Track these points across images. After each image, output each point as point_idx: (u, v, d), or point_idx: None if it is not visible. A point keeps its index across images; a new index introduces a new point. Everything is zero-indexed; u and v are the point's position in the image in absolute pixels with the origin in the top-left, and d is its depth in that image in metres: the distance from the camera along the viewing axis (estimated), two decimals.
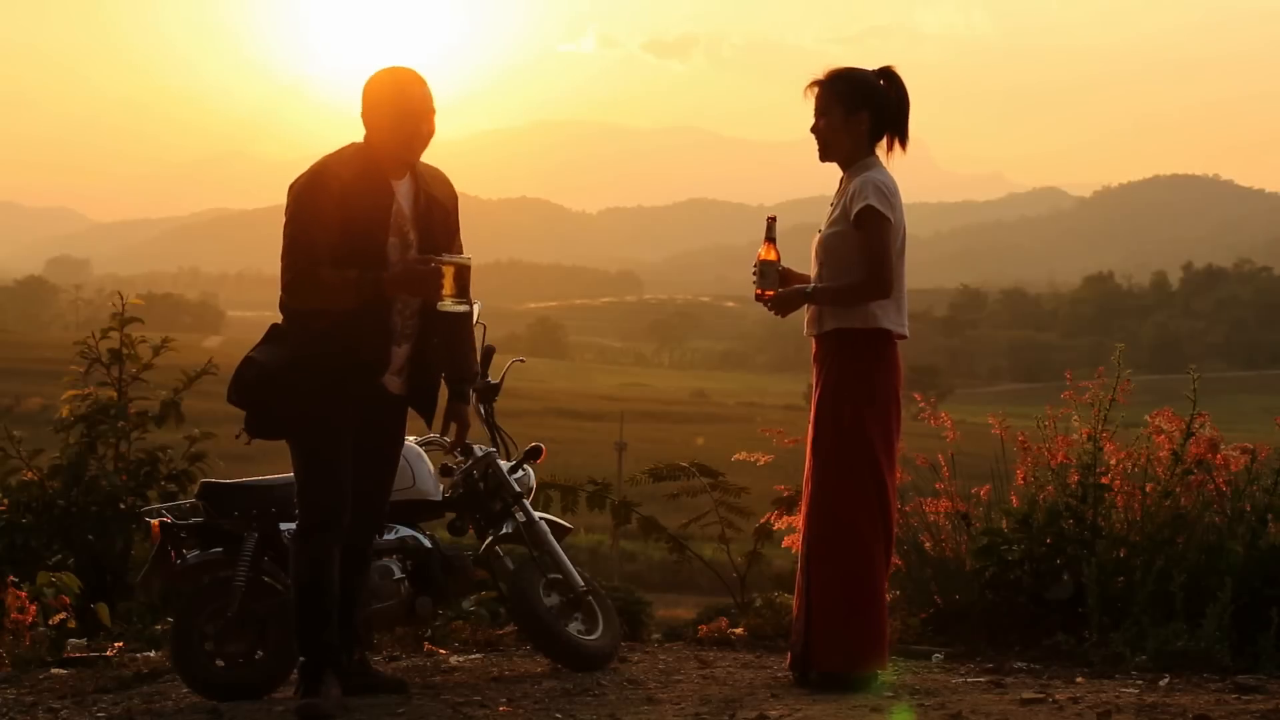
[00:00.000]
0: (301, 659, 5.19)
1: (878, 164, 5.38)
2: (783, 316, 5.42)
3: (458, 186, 5.45)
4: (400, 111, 5.05)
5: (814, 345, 5.45)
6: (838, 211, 5.36)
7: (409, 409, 5.37)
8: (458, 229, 5.33)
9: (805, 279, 5.45)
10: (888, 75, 5.40)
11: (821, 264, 5.36)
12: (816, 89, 5.38)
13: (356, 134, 5.15)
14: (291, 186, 5.04)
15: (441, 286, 4.93)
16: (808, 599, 5.38)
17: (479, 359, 6.33)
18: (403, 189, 5.12)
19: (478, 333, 6.29)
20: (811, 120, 5.41)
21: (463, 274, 4.96)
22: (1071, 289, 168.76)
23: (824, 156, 5.42)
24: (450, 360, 5.34)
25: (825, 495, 5.34)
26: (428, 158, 5.28)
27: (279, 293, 5.11)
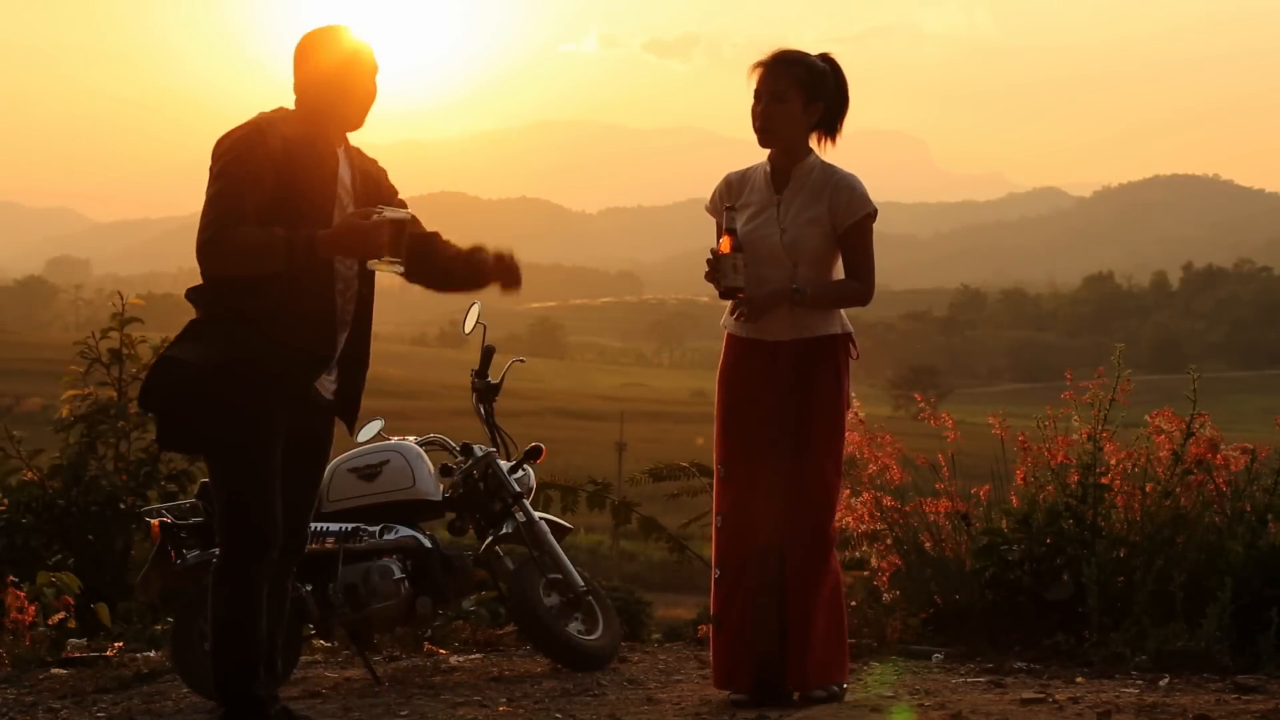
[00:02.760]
0: (222, 715, 4.53)
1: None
2: (757, 320, 5.04)
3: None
4: (353, 72, 4.52)
5: (768, 350, 5.09)
6: (817, 209, 5.06)
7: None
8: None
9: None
10: (834, 65, 5.14)
11: (796, 264, 5.03)
12: (762, 69, 5.07)
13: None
14: (221, 140, 4.40)
15: (384, 244, 4.34)
16: (785, 614, 5.04)
17: (479, 359, 6.34)
18: (342, 158, 4.56)
19: (478, 333, 6.30)
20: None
21: (403, 230, 4.40)
22: (1071, 289, 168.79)
23: (766, 142, 5.10)
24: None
25: (815, 504, 5.04)
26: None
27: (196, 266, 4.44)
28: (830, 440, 5.08)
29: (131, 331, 8.02)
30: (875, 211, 5.10)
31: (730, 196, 5.16)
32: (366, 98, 4.55)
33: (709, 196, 5.24)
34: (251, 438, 4.38)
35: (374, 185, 4.62)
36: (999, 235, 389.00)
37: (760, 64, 5.09)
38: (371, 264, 4.35)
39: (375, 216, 4.31)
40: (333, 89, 4.49)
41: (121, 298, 8.10)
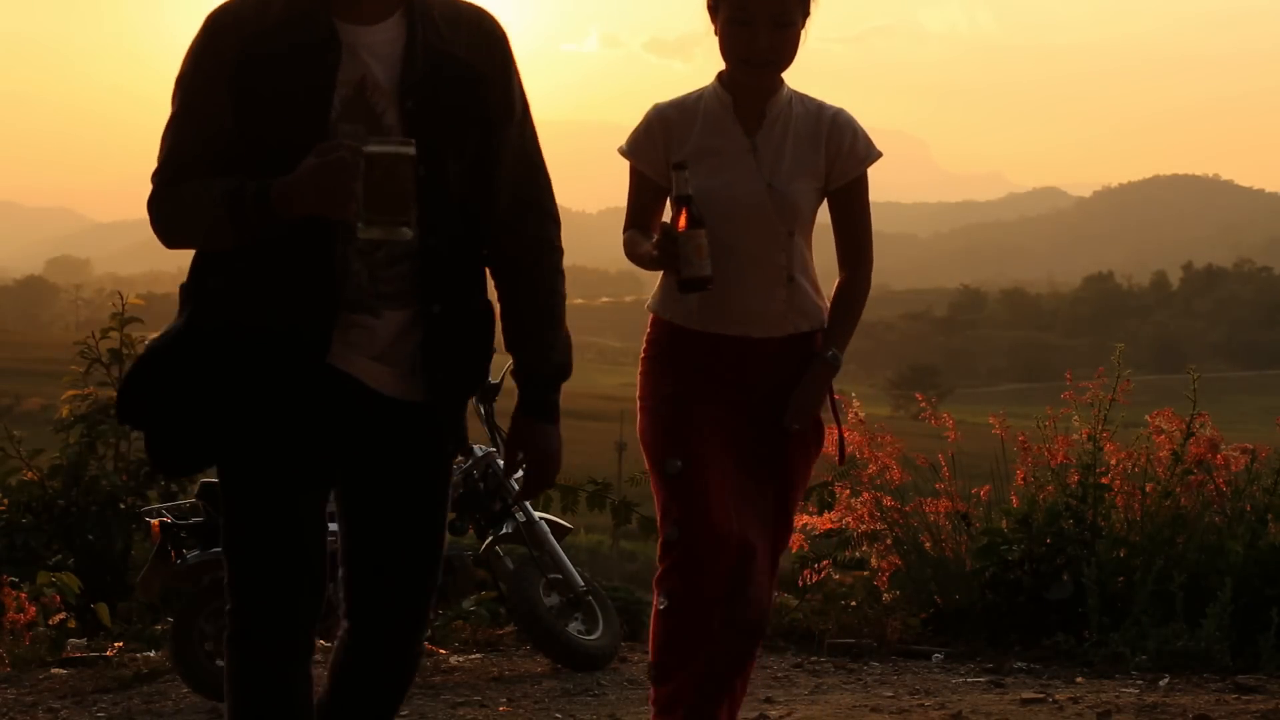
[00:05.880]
0: None
1: None
2: (807, 424, 3.79)
3: None
4: None
5: (737, 346, 3.76)
6: (812, 157, 3.79)
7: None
8: (505, 118, 2.95)
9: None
10: None
11: (792, 232, 3.76)
12: None
13: None
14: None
15: (353, 193, 2.70)
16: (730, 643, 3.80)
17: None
18: (374, 41, 2.85)
19: None
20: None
21: (395, 173, 2.71)
22: (1071, 289, 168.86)
23: (763, 78, 3.76)
24: (515, 338, 3.04)
25: (792, 511, 3.92)
26: None
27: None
28: (810, 460, 3.91)
29: (131, 331, 8.02)
30: (878, 156, 3.88)
31: (672, 139, 3.78)
32: None
33: (628, 136, 3.85)
34: (238, 457, 2.93)
35: (465, 81, 2.89)
36: (999, 235, 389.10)
37: None
38: (360, 230, 2.74)
39: (341, 153, 2.71)
40: None
41: (121, 298, 8.10)
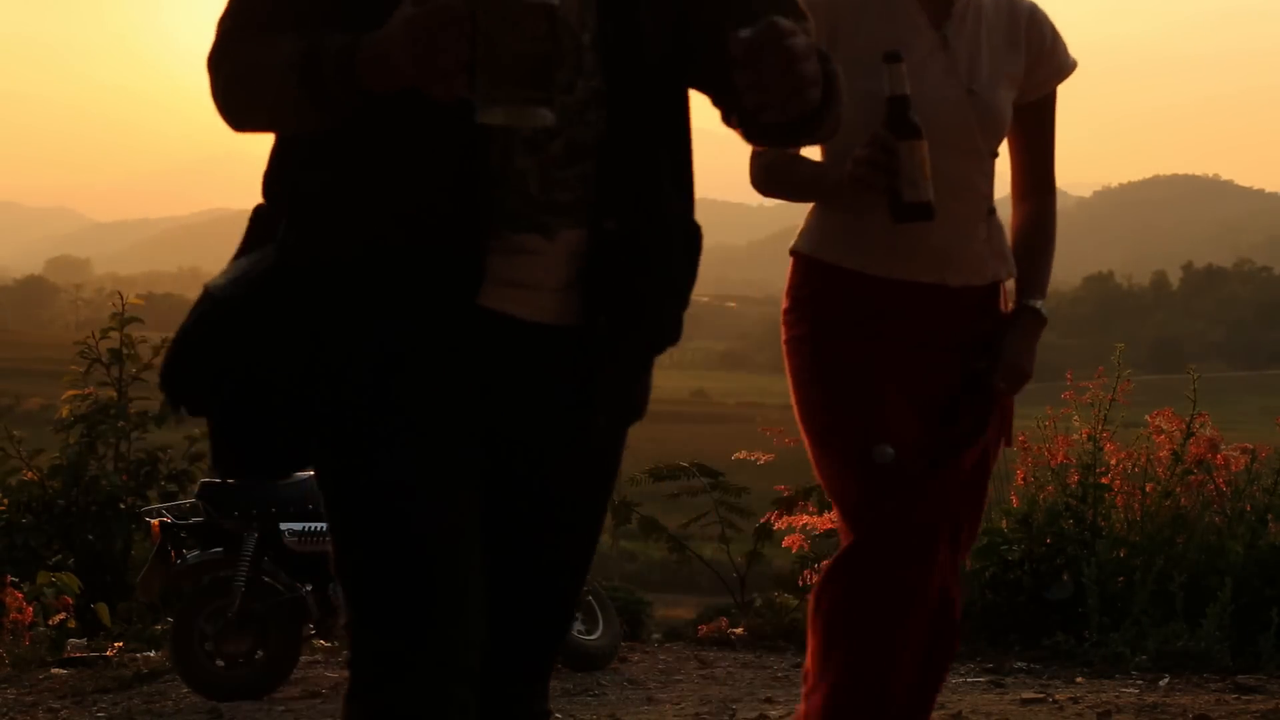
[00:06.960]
0: None
1: None
2: (1018, 390, 3.06)
3: None
4: None
5: (933, 297, 2.94)
6: (1012, 58, 3.00)
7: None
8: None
9: None
10: None
11: (994, 152, 3.02)
12: None
13: None
14: None
15: (460, 58, 1.82)
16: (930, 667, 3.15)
17: None
18: None
19: None
20: None
21: (525, 27, 1.81)
22: (1071, 289, 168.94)
23: None
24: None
25: (978, 513, 3.17)
26: None
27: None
28: (1008, 425, 3.12)
29: (131, 331, 8.04)
30: (1074, 67, 3.11)
31: (841, 25, 2.90)
32: None
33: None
34: (352, 446, 2.02)
35: None
36: None
37: None
38: (480, 112, 1.83)
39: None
40: None
41: (121, 298, 8.11)
